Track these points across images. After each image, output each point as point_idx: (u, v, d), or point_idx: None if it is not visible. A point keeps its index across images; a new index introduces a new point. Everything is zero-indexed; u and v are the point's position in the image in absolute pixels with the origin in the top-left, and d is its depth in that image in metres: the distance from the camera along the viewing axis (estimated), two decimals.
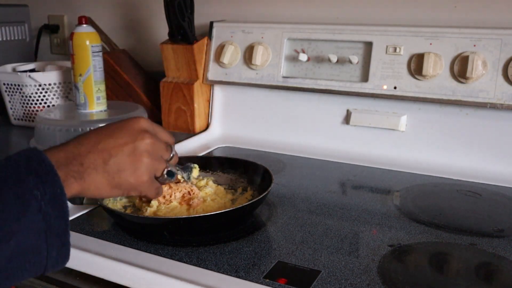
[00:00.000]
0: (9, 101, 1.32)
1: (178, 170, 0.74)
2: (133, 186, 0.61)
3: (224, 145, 1.17)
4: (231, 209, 0.72)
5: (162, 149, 0.65)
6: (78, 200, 0.72)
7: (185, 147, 1.12)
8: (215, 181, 0.87)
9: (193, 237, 0.71)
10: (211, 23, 1.23)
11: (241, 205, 0.73)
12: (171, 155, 0.68)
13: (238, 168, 0.89)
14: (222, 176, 0.89)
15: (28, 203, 0.45)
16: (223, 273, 0.62)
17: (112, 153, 0.58)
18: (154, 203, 0.75)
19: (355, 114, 1.10)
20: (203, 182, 0.84)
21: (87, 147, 0.56)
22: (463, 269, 0.67)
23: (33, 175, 0.47)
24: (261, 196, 0.74)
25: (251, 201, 0.74)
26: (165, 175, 0.68)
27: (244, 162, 0.89)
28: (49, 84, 1.27)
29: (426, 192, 0.91)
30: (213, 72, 1.22)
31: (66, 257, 0.49)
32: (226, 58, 1.17)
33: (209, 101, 1.27)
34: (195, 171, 0.79)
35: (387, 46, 1.03)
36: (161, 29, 1.33)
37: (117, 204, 0.79)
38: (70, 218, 0.77)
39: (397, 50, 1.02)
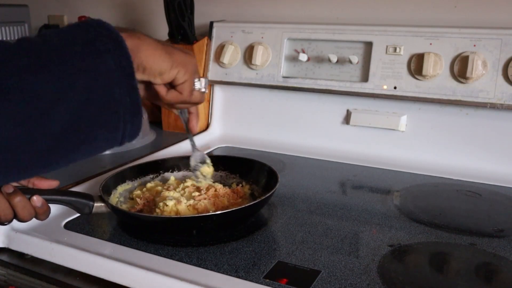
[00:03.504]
0: None
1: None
2: (183, 60, 0.59)
3: (224, 145, 1.17)
4: (260, 199, 0.73)
5: None
6: (87, 209, 0.71)
7: (185, 147, 1.12)
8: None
9: (207, 234, 0.72)
10: (211, 23, 1.23)
11: (266, 195, 0.74)
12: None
13: (228, 165, 0.89)
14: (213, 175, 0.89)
15: (91, 43, 0.46)
16: (223, 273, 0.62)
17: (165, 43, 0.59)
18: (170, 203, 0.75)
19: (355, 114, 1.10)
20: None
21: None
22: (463, 269, 0.67)
23: (88, 25, 0.48)
24: (273, 190, 0.75)
25: (269, 194, 0.74)
26: (203, 79, 0.65)
27: (248, 161, 0.89)
28: None
29: (426, 192, 0.91)
30: (213, 72, 1.22)
31: (138, 106, 0.48)
32: (226, 58, 1.17)
33: (209, 101, 1.27)
34: (207, 170, 0.79)
35: (387, 46, 1.03)
36: (161, 29, 1.33)
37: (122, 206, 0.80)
38: (71, 218, 0.77)
39: (397, 50, 1.02)
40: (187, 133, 0.75)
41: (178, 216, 0.73)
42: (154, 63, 0.55)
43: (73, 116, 0.43)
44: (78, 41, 0.46)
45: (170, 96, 0.62)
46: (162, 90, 0.61)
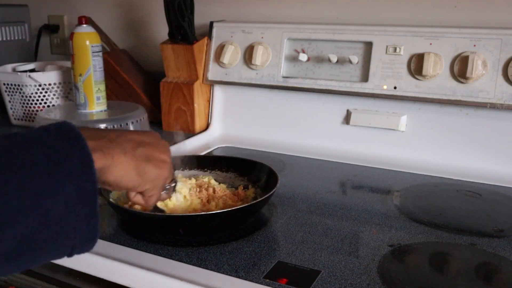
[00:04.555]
0: (9, 101, 1.32)
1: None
2: (153, 179, 0.59)
3: (224, 145, 1.17)
4: (249, 204, 0.73)
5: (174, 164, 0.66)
6: None
7: (185, 147, 1.12)
8: (215, 180, 0.87)
9: (207, 234, 0.72)
10: (211, 23, 1.23)
11: (259, 199, 0.74)
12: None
13: (238, 167, 0.89)
14: (220, 175, 0.90)
15: (58, 164, 0.43)
16: (223, 273, 0.62)
17: (140, 144, 0.57)
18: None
19: (355, 114, 1.10)
20: (205, 180, 0.85)
21: (117, 134, 0.56)
22: (463, 269, 0.67)
23: (63, 139, 0.45)
24: (272, 191, 0.75)
25: (266, 196, 0.74)
26: (173, 185, 0.70)
27: (248, 162, 0.89)
28: (49, 84, 1.27)
29: (426, 192, 0.91)
30: (213, 72, 1.22)
31: (95, 232, 0.45)
32: (226, 58, 1.17)
33: (209, 101, 1.27)
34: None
35: (387, 46, 1.03)
36: (161, 29, 1.33)
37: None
38: None
39: (397, 50, 1.02)
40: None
41: (161, 214, 0.73)
42: (122, 183, 0.54)
43: (21, 241, 0.40)
44: (48, 159, 0.43)
45: (136, 199, 0.63)
46: (130, 193, 0.62)
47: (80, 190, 0.43)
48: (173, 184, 0.69)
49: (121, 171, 0.53)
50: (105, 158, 0.51)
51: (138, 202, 0.63)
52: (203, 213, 0.73)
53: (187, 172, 0.90)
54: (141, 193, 0.61)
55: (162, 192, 0.66)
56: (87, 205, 0.44)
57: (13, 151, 0.42)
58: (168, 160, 0.61)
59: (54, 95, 1.29)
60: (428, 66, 0.97)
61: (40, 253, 0.43)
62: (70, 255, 0.45)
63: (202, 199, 0.78)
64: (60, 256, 0.45)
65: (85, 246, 0.46)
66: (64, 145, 0.44)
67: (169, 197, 0.70)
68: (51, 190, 0.42)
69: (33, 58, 1.60)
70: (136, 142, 0.57)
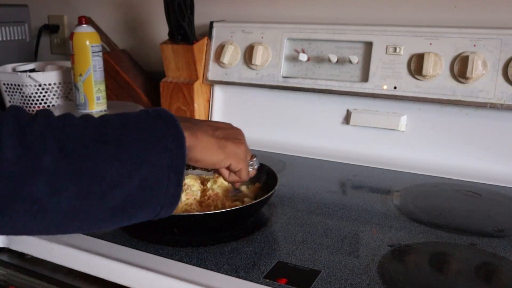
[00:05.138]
0: (9, 101, 1.32)
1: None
2: (235, 152, 0.66)
3: None
4: (242, 206, 0.73)
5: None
6: None
7: None
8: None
9: (202, 234, 0.72)
10: (211, 23, 1.23)
11: (255, 201, 0.74)
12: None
13: None
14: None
15: (158, 140, 0.52)
16: (223, 273, 0.62)
17: (217, 128, 0.66)
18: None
19: (355, 114, 1.10)
20: (208, 185, 0.85)
21: (198, 120, 0.65)
22: (463, 269, 0.67)
23: (161, 119, 0.54)
24: (271, 192, 0.75)
25: (264, 197, 0.74)
26: (255, 159, 0.73)
27: None
28: (49, 84, 1.27)
29: (426, 192, 0.91)
30: (213, 72, 1.22)
31: (178, 197, 0.54)
32: (226, 58, 1.17)
33: (209, 101, 1.27)
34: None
35: (387, 46, 1.03)
36: (161, 29, 1.33)
37: None
38: None
39: (397, 50, 1.02)
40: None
41: None
42: (206, 157, 0.62)
43: (124, 199, 0.50)
44: (152, 135, 0.53)
45: (231, 178, 0.71)
46: (224, 174, 0.70)
47: (173, 162, 0.53)
48: (254, 159, 0.73)
49: (205, 147, 0.62)
50: (191, 137, 0.59)
51: (233, 179, 0.71)
52: (197, 213, 0.73)
53: (190, 171, 0.90)
54: (229, 169, 0.68)
55: (250, 170, 0.72)
56: (177, 175, 0.53)
57: (125, 127, 0.52)
58: (243, 139, 0.69)
59: (54, 95, 1.29)
60: (428, 66, 0.97)
61: (138, 210, 0.52)
62: (157, 215, 0.54)
63: (204, 200, 0.78)
64: (151, 214, 0.53)
65: (169, 208, 0.54)
66: (163, 125, 0.54)
67: (255, 172, 0.75)
68: (155, 160, 0.51)
69: (33, 58, 1.60)
70: (213, 126, 0.66)
